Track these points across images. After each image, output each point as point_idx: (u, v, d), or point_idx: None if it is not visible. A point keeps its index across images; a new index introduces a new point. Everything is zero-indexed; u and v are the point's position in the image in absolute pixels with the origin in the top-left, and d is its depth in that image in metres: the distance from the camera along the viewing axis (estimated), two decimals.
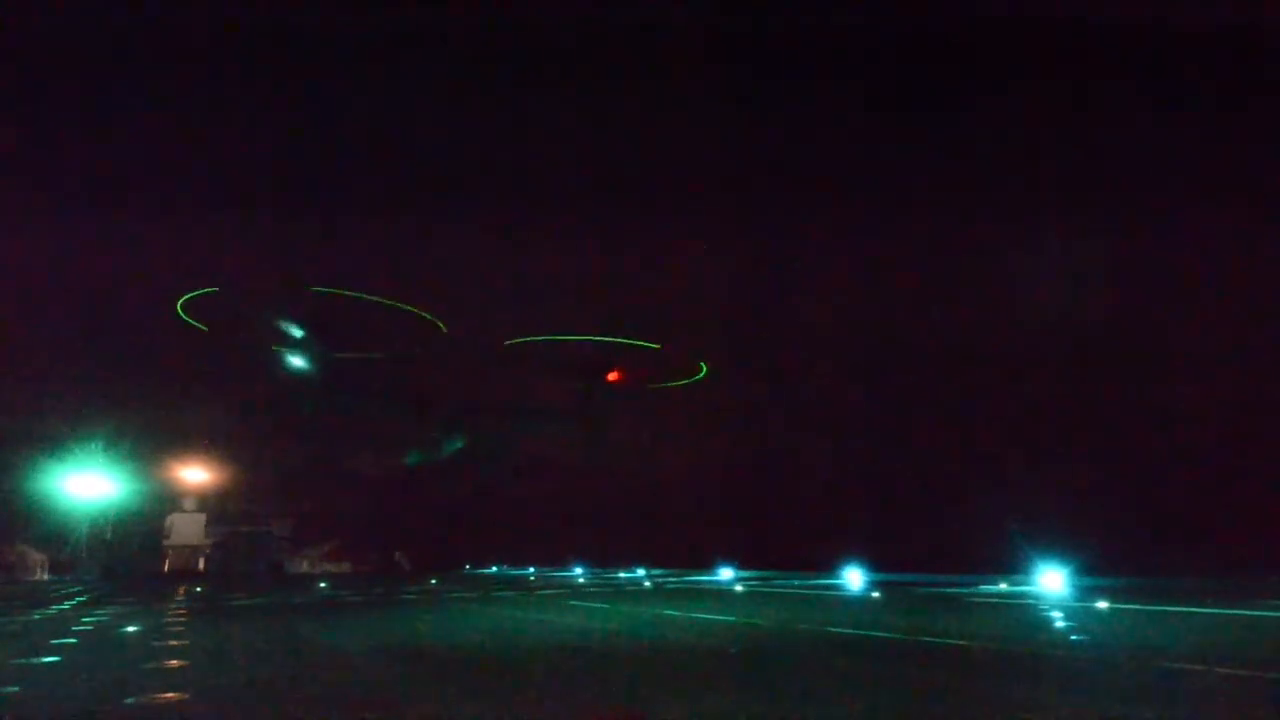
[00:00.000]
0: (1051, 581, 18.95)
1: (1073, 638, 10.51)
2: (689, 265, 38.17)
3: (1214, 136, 27.69)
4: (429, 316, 38.53)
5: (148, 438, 56.06)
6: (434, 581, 34.56)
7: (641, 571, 36.82)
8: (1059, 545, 20.53)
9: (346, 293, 37.54)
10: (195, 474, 62.17)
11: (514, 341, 41.03)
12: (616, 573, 37.83)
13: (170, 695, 7.15)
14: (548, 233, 36.00)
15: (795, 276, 40.03)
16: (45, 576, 52.98)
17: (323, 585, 35.38)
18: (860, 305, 39.22)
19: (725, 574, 30.73)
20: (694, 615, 15.25)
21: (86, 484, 54.14)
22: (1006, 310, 35.50)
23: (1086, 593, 17.14)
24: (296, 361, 44.84)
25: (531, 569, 46.25)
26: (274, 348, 43.74)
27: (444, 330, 39.19)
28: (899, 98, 29.88)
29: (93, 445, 53.04)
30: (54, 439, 50.84)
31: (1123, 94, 27.97)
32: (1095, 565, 20.59)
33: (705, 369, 43.37)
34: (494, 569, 50.51)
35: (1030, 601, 16.28)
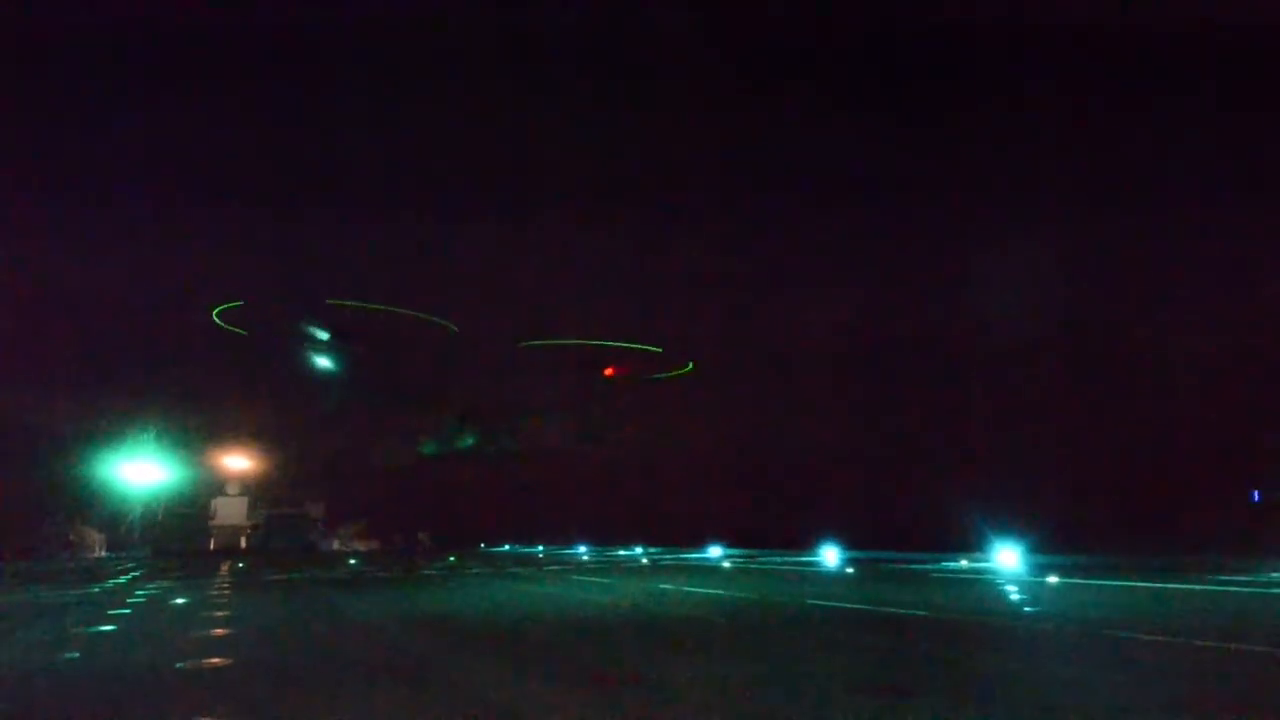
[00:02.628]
0: (1007, 558, 18.96)
1: (1025, 609, 10.52)
2: (682, 262, 37.99)
3: (1161, 138, 27.46)
4: (441, 321, 38.49)
5: (195, 430, 56.13)
6: (452, 558, 34.52)
7: (639, 549, 36.79)
8: (1015, 526, 20.55)
9: (369, 304, 37.55)
10: (238, 462, 62.30)
11: (528, 343, 40.92)
12: (616, 551, 37.81)
13: (216, 660, 7.15)
14: (555, 233, 35.77)
15: (781, 274, 39.90)
16: (103, 554, 52.99)
17: (352, 561, 35.34)
18: (842, 305, 39.15)
19: (714, 552, 30.71)
20: (686, 589, 15.24)
21: (141, 471, 54.21)
22: (974, 307, 35.46)
23: (1039, 569, 17.16)
24: (326, 363, 44.89)
25: (540, 547, 46.21)
26: (307, 352, 43.75)
27: (455, 332, 39.15)
28: (887, 100, 29.55)
29: (146, 437, 53.09)
30: (112, 432, 50.87)
31: (1090, 102, 27.66)
32: (1047, 544, 20.60)
33: (692, 364, 43.27)
34: (506, 547, 50.45)
35: (988, 577, 16.29)
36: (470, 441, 53.79)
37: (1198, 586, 12.95)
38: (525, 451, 53.20)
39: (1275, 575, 13.90)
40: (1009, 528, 20.34)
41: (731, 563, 25.27)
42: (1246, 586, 12.83)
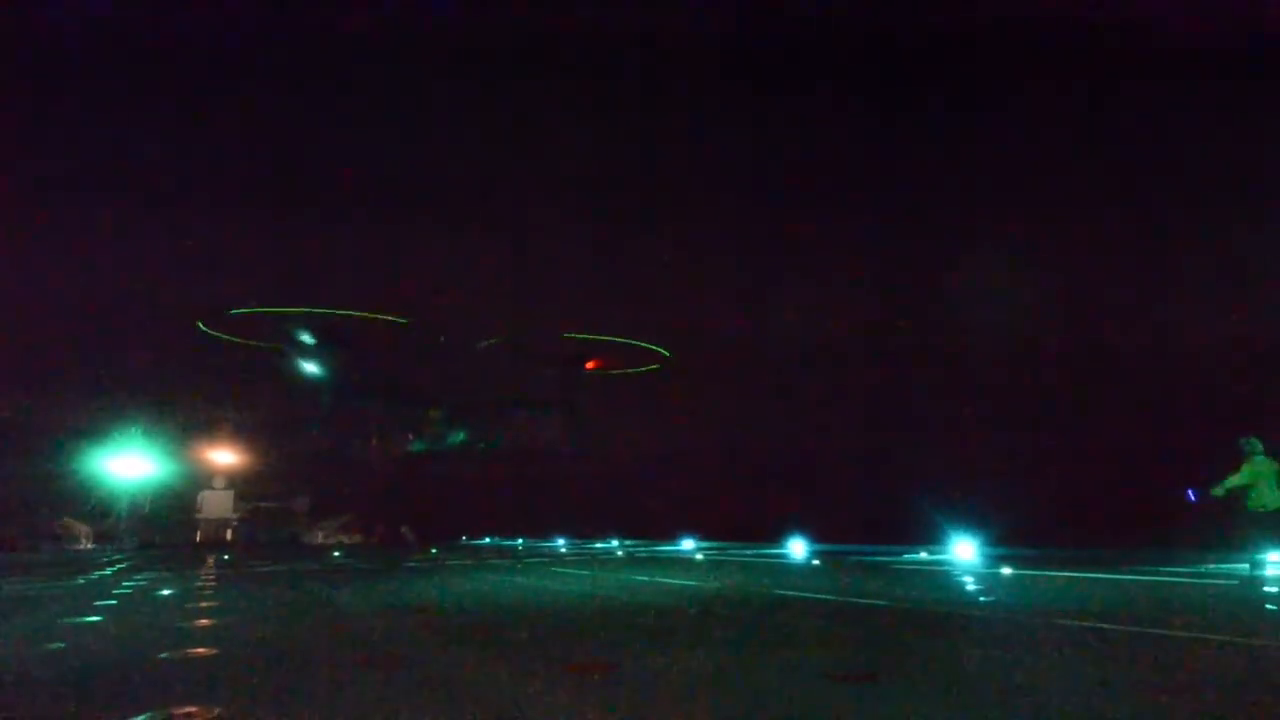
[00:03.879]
0: (964, 551, 19.19)
1: (980, 598, 10.67)
2: (665, 259, 37.80)
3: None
4: (425, 325, 38.19)
5: (183, 425, 55.36)
6: (434, 551, 34.29)
7: (615, 542, 36.78)
8: (971, 519, 20.80)
9: (356, 311, 37.14)
10: (224, 456, 61.51)
11: (513, 338, 40.63)
12: (593, 543, 37.77)
13: (200, 650, 7.04)
14: (545, 230, 35.36)
15: (761, 273, 39.85)
16: (90, 546, 52.05)
17: (336, 554, 34.99)
18: (817, 306, 39.27)
19: (687, 544, 30.79)
20: (660, 580, 15.28)
21: (128, 465, 53.29)
22: (934, 312, 35.74)
23: (993, 560, 17.40)
24: (314, 367, 44.41)
25: (520, 540, 46.03)
26: (295, 356, 43.24)
27: (441, 340, 38.81)
28: (881, 101, 29.22)
29: (134, 431, 52.24)
30: (99, 427, 50.01)
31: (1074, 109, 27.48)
32: (1001, 537, 20.89)
33: (669, 354, 43.31)
34: (487, 540, 50.20)
35: (946, 568, 16.50)
36: (461, 438, 53.49)
37: (1139, 578, 13.22)
38: (515, 448, 52.99)
39: (1210, 567, 14.22)
40: (965, 521, 20.60)
41: (703, 555, 25.34)
42: (1184, 578, 13.11)
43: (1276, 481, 11.11)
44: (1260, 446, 11.34)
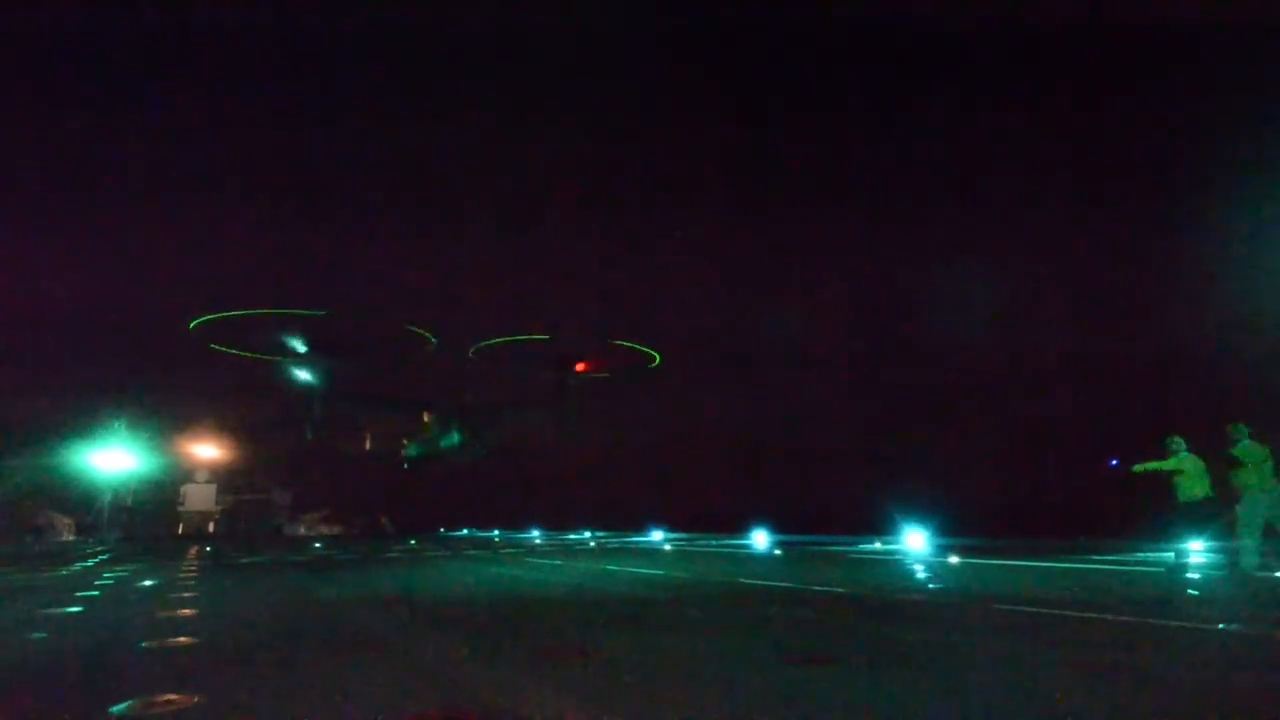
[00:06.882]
0: (915, 541, 19.50)
1: (930, 585, 10.86)
2: (634, 264, 37.51)
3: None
4: (419, 329, 37.47)
5: (166, 419, 54.14)
6: (413, 542, 33.96)
7: (587, 533, 36.74)
8: (922, 511, 21.12)
9: (350, 310, 36.30)
10: (207, 450, 60.35)
11: (507, 340, 39.98)
12: (566, 534, 37.68)
13: (181, 639, 6.92)
14: (539, 231, 34.80)
15: (732, 276, 39.72)
16: (72, 538, 50.72)
17: (317, 546, 34.50)
18: (782, 307, 39.26)
19: (656, 535, 30.86)
20: (629, 570, 15.30)
21: (111, 458, 51.98)
22: (895, 313, 35.95)
23: (942, 550, 17.70)
24: (301, 370, 43.19)
25: (496, 531, 45.77)
26: (280, 359, 42.07)
27: (434, 341, 38.10)
28: (854, 103, 28.80)
29: (117, 424, 51.00)
30: (82, 420, 48.74)
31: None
32: (949, 528, 21.25)
33: (659, 359, 43.01)
34: (464, 531, 49.83)
35: (899, 557, 16.75)
36: (455, 441, 52.54)
37: (1073, 566, 13.55)
38: (508, 448, 52.30)
39: (1141, 555, 14.63)
40: (916, 512, 20.91)
41: (672, 545, 25.42)
42: (1114, 566, 13.48)
43: (1205, 474, 11.55)
44: (1184, 445, 11.73)
